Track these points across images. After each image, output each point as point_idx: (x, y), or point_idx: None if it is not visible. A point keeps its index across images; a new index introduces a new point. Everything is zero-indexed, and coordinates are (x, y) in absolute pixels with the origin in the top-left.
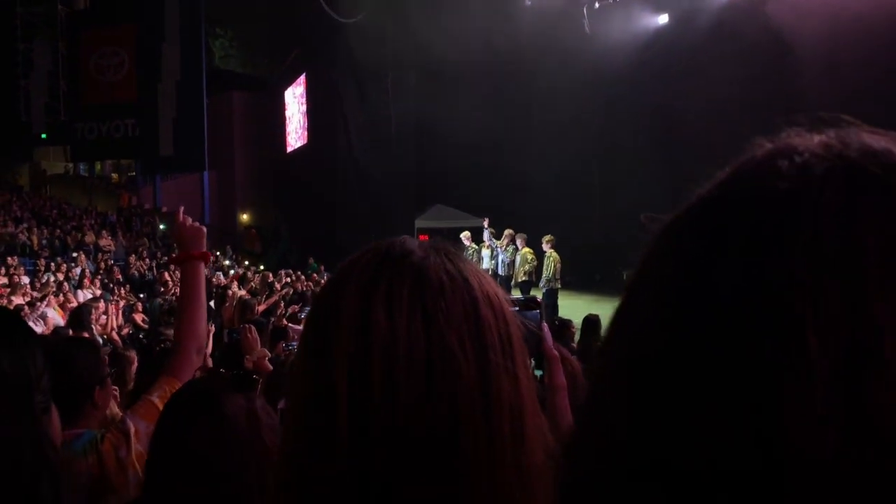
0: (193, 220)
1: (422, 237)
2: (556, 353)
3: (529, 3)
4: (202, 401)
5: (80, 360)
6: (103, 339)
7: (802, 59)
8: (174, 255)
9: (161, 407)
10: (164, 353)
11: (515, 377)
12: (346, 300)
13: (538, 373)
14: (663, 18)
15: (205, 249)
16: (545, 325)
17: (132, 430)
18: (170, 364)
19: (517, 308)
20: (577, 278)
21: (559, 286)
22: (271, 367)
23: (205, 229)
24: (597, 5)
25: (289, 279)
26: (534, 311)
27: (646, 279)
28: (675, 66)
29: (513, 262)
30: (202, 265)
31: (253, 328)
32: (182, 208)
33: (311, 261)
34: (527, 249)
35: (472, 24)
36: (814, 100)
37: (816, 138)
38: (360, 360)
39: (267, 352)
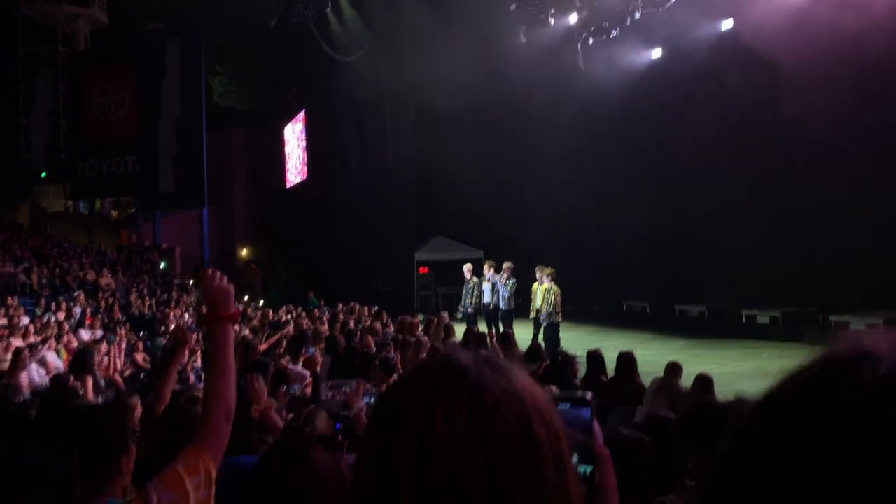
0: (222, 278)
1: (422, 270)
2: (606, 451)
3: (524, 39)
4: (293, 456)
5: (109, 428)
6: (105, 381)
7: (785, 83)
8: (204, 315)
9: (186, 477)
10: (183, 416)
11: (567, 492)
12: (408, 418)
13: (584, 469)
14: (656, 53)
15: (234, 309)
16: (596, 424)
17: (155, 500)
18: (199, 433)
19: (568, 404)
20: (575, 309)
21: (560, 319)
22: (279, 421)
23: (233, 289)
24: (591, 41)
25: (290, 316)
26: (585, 409)
27: (739, 466)
28: (669, 101)
29: (513, 295)
30: (231, 327)
31: (260, 378)
32: (213, 271)
33: (312, 296)
34: (545, 285)
35: (468, 60)
36: (800, 121)
37: (892, 341)
38: (425, 474)
39: (274, 402)
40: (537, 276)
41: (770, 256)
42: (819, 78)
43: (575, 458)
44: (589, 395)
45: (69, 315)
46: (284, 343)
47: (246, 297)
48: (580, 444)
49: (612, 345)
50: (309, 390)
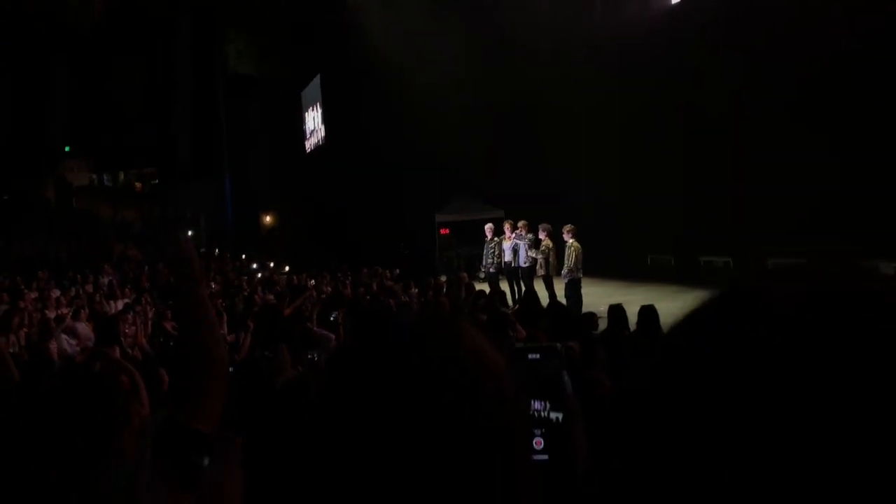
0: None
1: (443, 231)
2: (574, 399)
3: None
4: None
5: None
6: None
7: (813, 28)
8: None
9: None
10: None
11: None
12: (349, 389)
13: (556, 416)
14: None
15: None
16: (565, 374)
17: None
18: None
19: (538, 354)
20: (599, 265)
21: (581, 275)
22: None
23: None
24: None
25: (312, 281)
26: (554, 359)
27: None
28: (689, 50)
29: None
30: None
31: (286, 348)
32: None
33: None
34: (546, 241)
35: (482, 17)
36: (830, 68)
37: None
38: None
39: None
40: (540, 234)
41: (796, 202)
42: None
43: (546, 406)
44: (558, 345)
45: (97, 287)
46: (309, 307)
47: (272, 264)
48: (551, 393)
49: (635, 299)
50: None
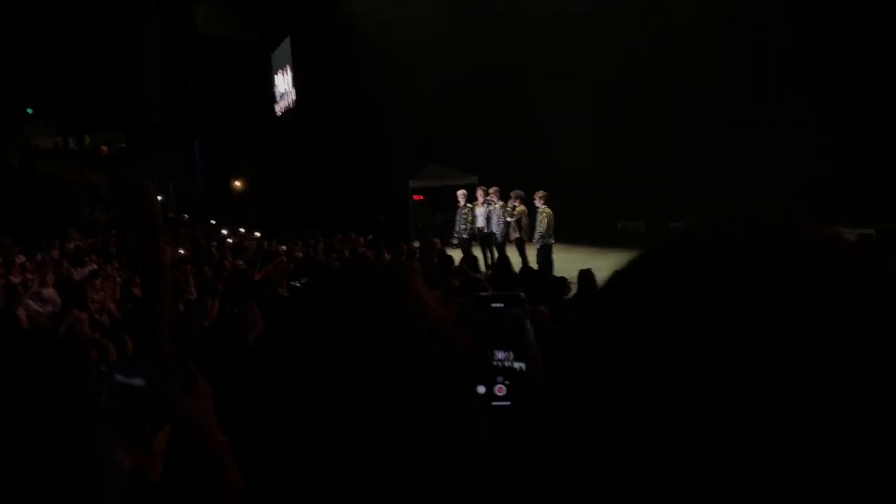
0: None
1: (416, 197)
2: (537, 349)
3: None
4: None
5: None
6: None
7: None
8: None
9: None
10: None
11: (466, 404)
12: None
13: (519, 365)
14: None
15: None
16: (528, 322)
17: None
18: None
19: (502, 303)
20: (571, 232)
21: (552, 241)
22: None
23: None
24: None
25: (283, 247)
26: (518, 307)
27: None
28: (665, 15)
29: (507, 220)
30: None
31: (255, 306)
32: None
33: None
34: (520, 207)
35: None
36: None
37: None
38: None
39: None
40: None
41: (768, 165)
42: None
43: (511, 356)
44: (522, 294)
45: (64, 252)
46: (279, 273)
47: (242, 229)
48: (514, 342)
49: (606, 265)
50: None
